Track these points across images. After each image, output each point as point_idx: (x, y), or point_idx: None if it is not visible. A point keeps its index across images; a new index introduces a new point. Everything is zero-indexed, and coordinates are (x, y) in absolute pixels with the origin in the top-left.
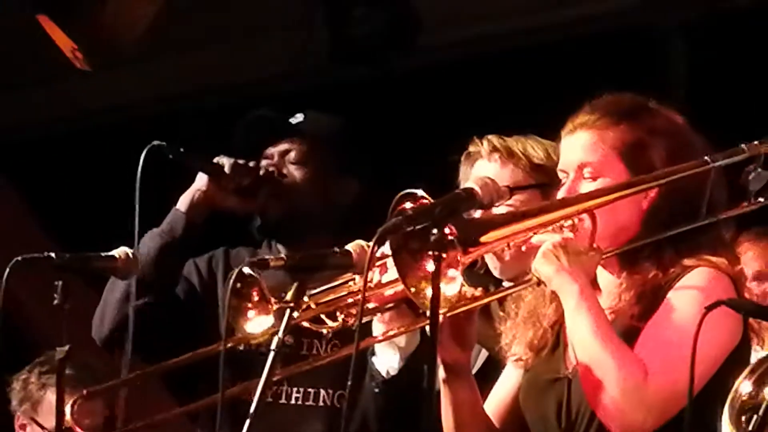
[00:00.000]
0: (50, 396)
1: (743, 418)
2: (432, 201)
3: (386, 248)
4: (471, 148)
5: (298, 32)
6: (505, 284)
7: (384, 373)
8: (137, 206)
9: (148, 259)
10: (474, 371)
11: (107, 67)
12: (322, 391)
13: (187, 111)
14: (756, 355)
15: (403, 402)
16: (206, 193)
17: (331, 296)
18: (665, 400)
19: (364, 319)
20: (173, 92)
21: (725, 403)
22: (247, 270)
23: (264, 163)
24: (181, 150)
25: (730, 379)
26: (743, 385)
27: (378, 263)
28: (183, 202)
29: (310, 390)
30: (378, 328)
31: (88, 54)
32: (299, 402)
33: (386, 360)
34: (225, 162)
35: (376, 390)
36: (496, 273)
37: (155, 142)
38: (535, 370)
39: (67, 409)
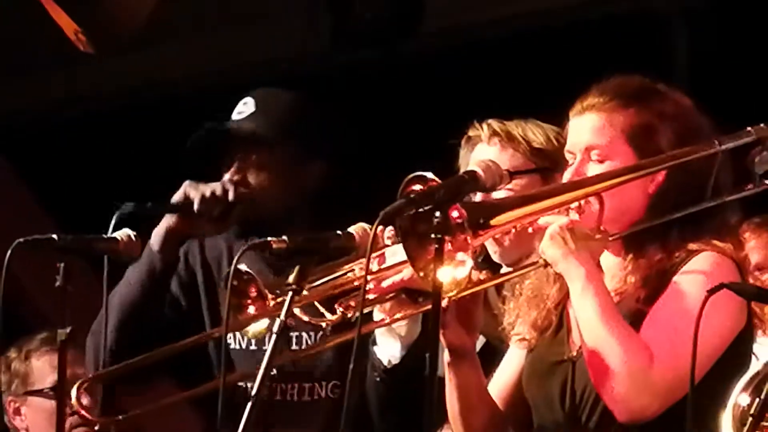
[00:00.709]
0: (35, 362)
1: (745, 428)
2: (440, 182)
3: (387, 235)
4: (471, 133)
5: (300, 17)
6: (504, 269)
7: (386, 362)
8: (105, 285)
9: (132, 298)
10: None
11: (110, 50)
12: (317, 385)
13: (189, 96)
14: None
15: (405, 390)
16: (176, 229)
17: (330, 288)
18: (670, 384)
19: (365, 310)
20: (175, 77)
21: (725, 410)
22: (243, 267)
23: (227, 177)
24: (148, 205)
25: (735, 363)
26: (741, 397)
27: (376, 254)
28: (155, 240)
29: (305, 385)
30: (377, 317)
31: (92, 37)
32: (295, 398)
33: (388, 349)
34: (193, 196)
35: (378, 379)
36: (495, 258)
37: (122, 207)
38: (539, 351)
39: (73, 392)
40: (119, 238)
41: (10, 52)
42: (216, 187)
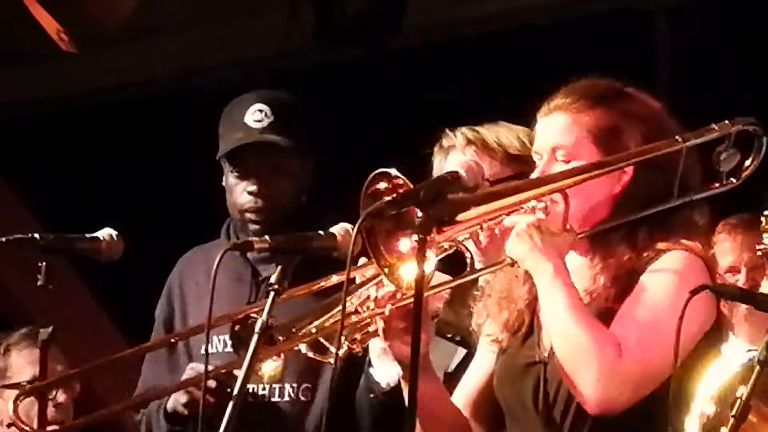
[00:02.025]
0: (14, 357)
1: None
2: (405, 180)
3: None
4: (444, 142)
5: (283, 13)
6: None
7: (384, 385)
8: None
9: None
10: (451, 369)
11: (92, 49)
12: (287, 386)
13: (171, 93)
14: (732, 343)
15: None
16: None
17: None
18: (639, 377)
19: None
20: (158, 74)
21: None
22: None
23: (251, 188)
24: None
25: (703, 360)
26: (706, 406)
27: (374, 282)
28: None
29: (275, 386)
30: (376, 343)
31: (74, 36)
32: (265, 399)
33: (385, 372)
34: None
35: (376, 401)
36: (475, 255)
37: None
38: (510, 353)
39: (9, 406)
40: (101, 237)
41: None
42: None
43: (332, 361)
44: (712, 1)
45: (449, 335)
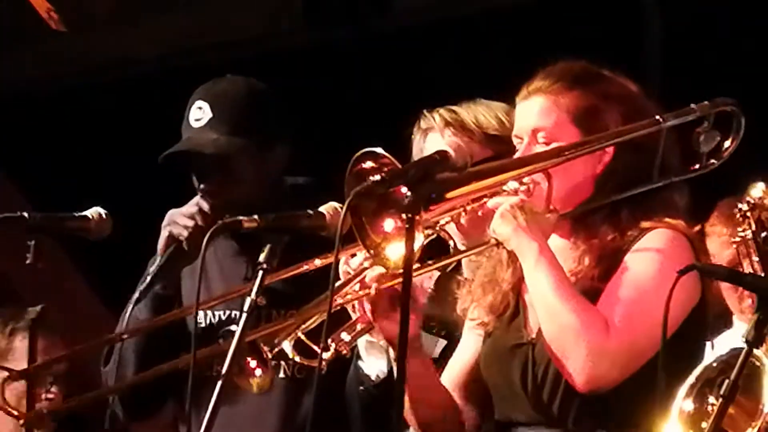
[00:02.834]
0: (18, 342)
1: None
2: (392, 159)
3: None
4: (422, 123)
5: None
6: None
7: (374, 377)
8: None
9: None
10: (436, 355)
11: (82, 28)
12: (282, 363)
13: (161, 73)
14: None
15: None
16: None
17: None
18: (627, 354)
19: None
20: (147, 54)
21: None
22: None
23: (198, 198)
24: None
25: (690, 337)
26: (685, 403)
27: (357, 280)
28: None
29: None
30: (363, 340)
31: (64, 15)
32: None
33: (375, 364)
34: (177, 233)
35: (365, 392)
36: (458, 240)
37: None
38: (497, 335)
39: None
40: (90, 216)
41: None
42: (193, 213)
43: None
44: None
45: (434, 330)
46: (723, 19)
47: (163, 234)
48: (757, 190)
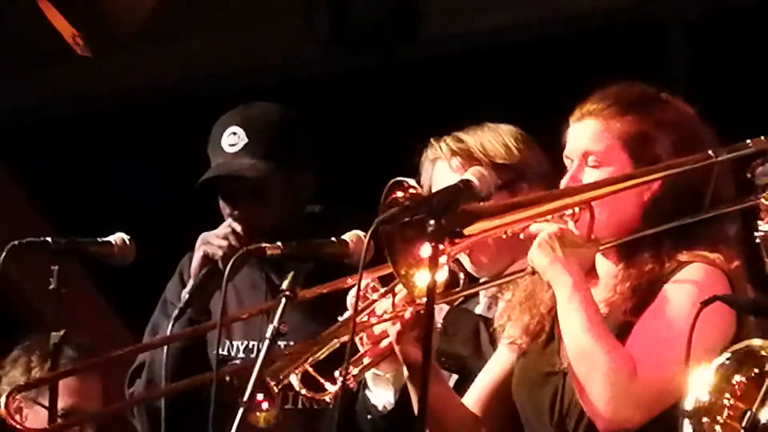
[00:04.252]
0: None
1: (704, 421)
2: (420, 190)
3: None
4: (429, 153)
5: (299, 21)
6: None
7: (381, 408)
8: None
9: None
10: None
11: (107, 53)
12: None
13: (186, 98)
14: None
15: (402, 428)
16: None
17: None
18: (653, 396)
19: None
20: (173, 79)
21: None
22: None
23: (230, 221)
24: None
25: None
26: (702, 395)
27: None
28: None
29: (288, 392)
30: (371, 377)
31: (89, 41)
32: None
33: (382, 395)
34: (212, 253)
35: (373, 422)
36: (471, 271)
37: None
38: (530, 359)
39: (1, 401)
40: (113, 242)
41: (6, 50)
42: (227, 234)
43: (328, 399)
44: (729, 13)
45: (445, 365)
46: (749, 48)
47: (197, 255)
48: None
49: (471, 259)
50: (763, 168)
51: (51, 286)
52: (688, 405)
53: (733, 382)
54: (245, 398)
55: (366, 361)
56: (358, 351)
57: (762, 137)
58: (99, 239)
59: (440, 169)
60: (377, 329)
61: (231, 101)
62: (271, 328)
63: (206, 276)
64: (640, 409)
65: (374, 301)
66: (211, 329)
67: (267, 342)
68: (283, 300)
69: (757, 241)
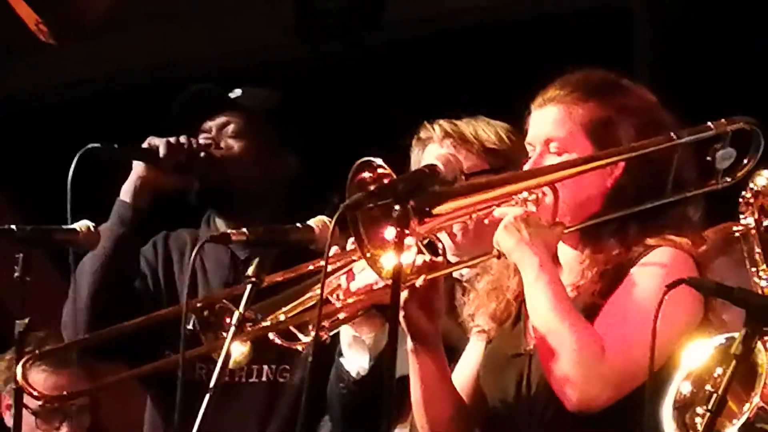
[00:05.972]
0: (35, 374)
1: (686, 416)
2: (389, 170)
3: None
4: (422, 134)
5: (264, 8)
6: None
7: (354, 374)
8: (69, 212)
9: (104, 257)
10: None
11: (71, 40)
12: (265, 367)
13: (151, 85)
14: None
15: (372, 399)
16: (146, 178)
17: (300, 308)
18: (621, 376)
19: (333, 331)
20: (138, 67)
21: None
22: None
23: (201, 137)
24: (115, 146)
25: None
26: (683, 386)
27: (344, 270)
28: (126, 192)
29: (253, 366)
30: (346, 332)
31: (53, 27)
32: (242, 380)
33: (356, 360)
34: (158, 144)
35: (345, 391)
36: (450, 254)
37: (89, 146)
38: (496, 344)
39: (19, 369)
40: (78, 229)
41: None
42: (181, 137)
43: (300, 348)
44: None
45: None
46: (712, 29)
47: (146, 142)
48: (762, 178)
49: (451, 239)
50: (723, 152)
51: (16, 275)
52: (671, 395)
53: (715, 375)
54: (212, 384)
55: (341, 316)
56: (321, 331)
57: (722, 120)
58: (64, 226)
59: (430, 151)
60: (353, 286)
61: None
62: (236, 315)
63: (141, 153)
64: (609, 388)
65: (351, 260)
66: (177, 313)
67: (232, 329)
68: (249, 286)
69: (737, 235)
